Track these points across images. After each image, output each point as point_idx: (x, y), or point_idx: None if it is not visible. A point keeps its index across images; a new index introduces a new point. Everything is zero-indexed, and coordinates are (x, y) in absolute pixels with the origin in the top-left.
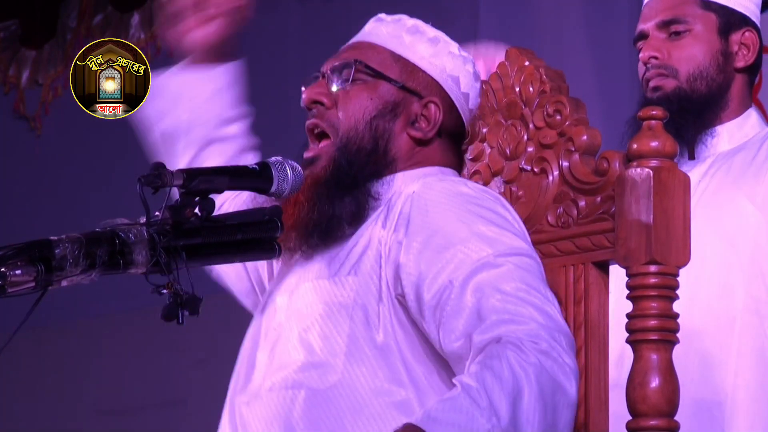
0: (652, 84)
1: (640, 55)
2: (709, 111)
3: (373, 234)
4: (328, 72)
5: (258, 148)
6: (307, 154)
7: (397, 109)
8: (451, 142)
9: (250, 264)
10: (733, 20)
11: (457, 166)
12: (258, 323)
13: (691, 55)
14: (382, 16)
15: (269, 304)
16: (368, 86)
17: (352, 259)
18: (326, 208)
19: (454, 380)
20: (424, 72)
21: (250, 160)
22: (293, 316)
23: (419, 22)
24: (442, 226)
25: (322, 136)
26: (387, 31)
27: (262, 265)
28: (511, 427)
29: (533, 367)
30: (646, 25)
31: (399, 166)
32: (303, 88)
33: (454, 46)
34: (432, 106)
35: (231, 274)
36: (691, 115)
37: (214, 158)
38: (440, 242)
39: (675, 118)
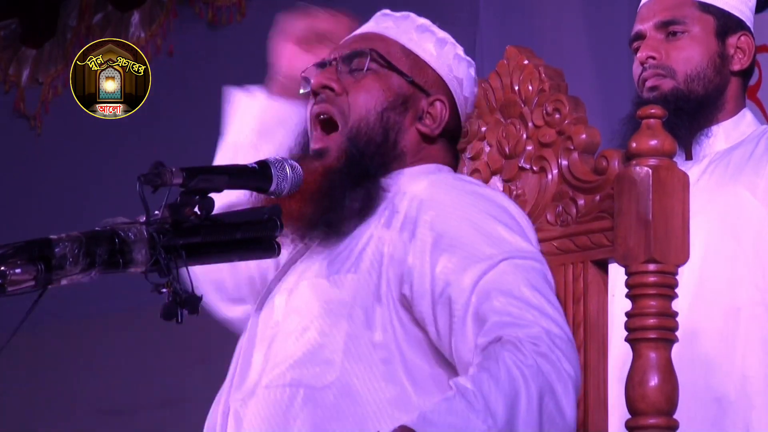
0: (649, 84)
1: (638, 54)
2: (705, 112)
3: (374, 233)
4: (339, 59)
5: None
6: (314, 145)
7: (407, 103)
8: (450, 142)
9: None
10: (729, 24)
11: (454, 167)
12: (254, 323)
13: (689, 56)
14: (388, 12)
15: (266, 303)
16: (380, 77)
17: (351, 257)
18: (340, 198)
19: (450, 382)
20: (432, 69)
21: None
22: (291, 314)
23: (428, 22)
24: (451, 227)
25: (328, 123)
26: (396, 25)
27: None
28: (507, 429)
29: (530, 369)
30: (643, 26)
31: (407, 161)
32: (305, 77)
33: (460, 49)
34: (438, 104)
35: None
36: (686, 116)
37: None
38: (449, 243)
39: (670, 118)
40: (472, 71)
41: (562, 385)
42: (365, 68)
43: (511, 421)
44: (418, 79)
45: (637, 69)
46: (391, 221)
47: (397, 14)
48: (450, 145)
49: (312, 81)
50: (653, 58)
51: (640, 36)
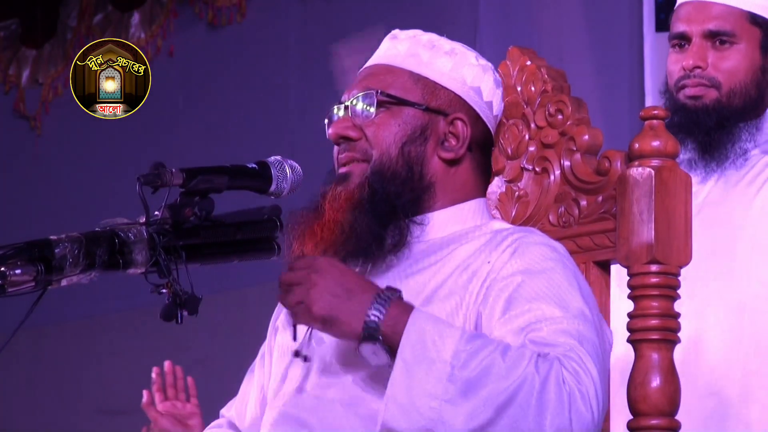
0: (690, 92)
1: (684, 62)
2: (740, 125)
3: (456, 282)
4: (350, 104)
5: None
6: (339, 170)
7: (426, 132)
8: (481, 153)
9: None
10: None
11: (488, 177)
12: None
13: (735, 69)
14: (396, 32)
15: (312, 341)
16: (393, 113)
17: (425, 292)
18: (366, 232)
19: None
20: (445, 89)
21: None
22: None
23: (434, 36)
24: (535, 284)
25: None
26: (403, 50)
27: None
28: (466, 384)
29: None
30: (690, 28)
31: (437, 190)
32: (326, 121)
33: (471, 55)
34: (459, 123)
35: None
36: (726, 132)
37: None
38: (529, 292)
39: (711, 131)
40: (490, 75)
41: (556, 405)
42: (374, 109)
43: (475, 384)
44: (432, 104)
45: (676, 70)
46: (497, 254)
47: (404, 35)
48: (481, 157)
49: (329, 130)
50: (700, 68)
51: (685, 38)
